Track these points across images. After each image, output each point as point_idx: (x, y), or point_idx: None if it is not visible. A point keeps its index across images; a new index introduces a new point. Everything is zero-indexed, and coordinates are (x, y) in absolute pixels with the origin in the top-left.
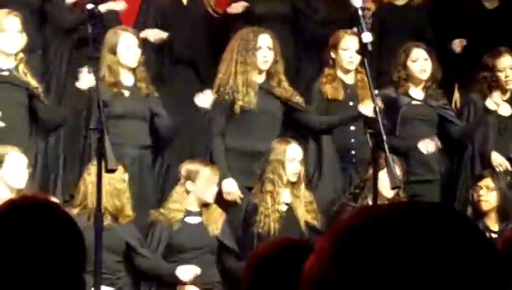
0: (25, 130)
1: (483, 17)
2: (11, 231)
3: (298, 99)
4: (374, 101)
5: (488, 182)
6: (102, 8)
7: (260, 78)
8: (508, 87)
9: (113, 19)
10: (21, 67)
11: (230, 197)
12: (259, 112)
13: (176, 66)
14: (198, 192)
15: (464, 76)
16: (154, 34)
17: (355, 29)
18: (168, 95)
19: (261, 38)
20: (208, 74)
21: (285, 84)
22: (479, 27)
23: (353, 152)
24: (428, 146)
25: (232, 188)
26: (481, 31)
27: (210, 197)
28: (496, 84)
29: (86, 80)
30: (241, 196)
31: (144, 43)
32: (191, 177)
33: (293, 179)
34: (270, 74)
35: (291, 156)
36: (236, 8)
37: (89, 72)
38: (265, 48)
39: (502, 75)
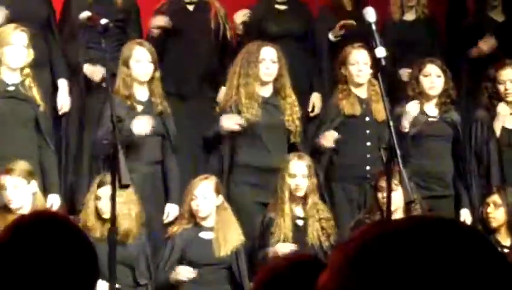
0: (33, 145)
1: (492, 30)
2: (21, 246)
3: (296, 129)
4: (387, 115)
5: (495, 198)
6: None
7: (265, 92)
8: (508, 99)
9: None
10: (27, 81)
11: (232, 127)
12: (267, 127)
13: (185, 80)
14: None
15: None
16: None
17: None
18: (180, 110)
19: (264, 50)
20: (220, 87)
21: (292, 98)
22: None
23: (368, 167)
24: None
25: (229, 122)
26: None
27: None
28: (496, 96)
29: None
30: (242, 122)
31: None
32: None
33: (298, 194)
34: (275, 89)
35: (292, 172)
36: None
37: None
38: (268, 60)
39: (501, 88)
